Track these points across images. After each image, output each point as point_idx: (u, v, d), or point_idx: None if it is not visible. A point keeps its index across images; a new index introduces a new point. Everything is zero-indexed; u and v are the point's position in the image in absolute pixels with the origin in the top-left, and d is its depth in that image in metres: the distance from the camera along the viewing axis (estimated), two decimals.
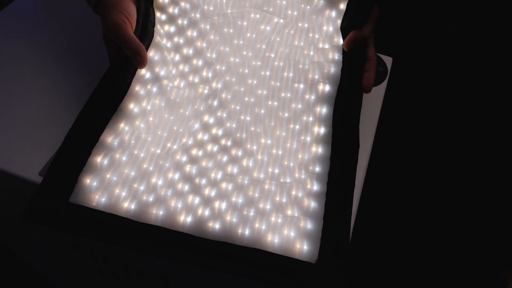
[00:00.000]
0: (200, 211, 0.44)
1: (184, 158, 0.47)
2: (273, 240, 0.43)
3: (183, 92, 0.51)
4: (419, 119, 1.47)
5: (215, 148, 0.48)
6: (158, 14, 0.54)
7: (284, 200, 0.45)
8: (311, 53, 0.54)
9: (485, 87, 1.63)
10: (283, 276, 0.41)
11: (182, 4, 0.54)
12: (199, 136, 0.49)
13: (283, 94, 0.52)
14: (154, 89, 0.49)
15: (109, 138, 0.45)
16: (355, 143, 0.48)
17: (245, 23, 0.56)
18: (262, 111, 0.51)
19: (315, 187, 0.46)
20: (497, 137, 1.49)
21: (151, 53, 0.50)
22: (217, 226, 0.43)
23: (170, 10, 0.54)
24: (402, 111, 1.46)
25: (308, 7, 0.55)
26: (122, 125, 0.46)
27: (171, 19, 0.54)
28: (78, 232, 0.41)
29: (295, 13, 0.55)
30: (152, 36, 0.51)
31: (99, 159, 0.44)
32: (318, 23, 0.55)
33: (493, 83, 1.64)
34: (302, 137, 0.49)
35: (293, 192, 0.46)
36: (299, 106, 0.51)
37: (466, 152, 1.44)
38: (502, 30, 1.77)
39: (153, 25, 0.52)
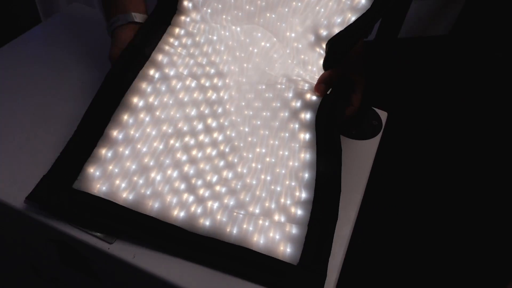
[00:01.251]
0: (193, 208, 0.47)
1: (184, 158, 0.51)
2: (258, 241, 0.45)
3: (192, 93, 0.55)
4: (412, 173, 1.49)
5: (214, 152, 0.52)
6: (177, 29, 0.58)
7: (272, 206, 0.48)
8: (301, 72, 0.59)
9: (482, 139, 1.65)
10: (265, 274, 0.43)
11: (202, 26, 0.60)
12: (201, 137, 0.53)
13: (273, 104, 0.56)
14: (163, 88, 0.53)
15: (114, 132, 0.49)
16: (338, 148, 0.51)
17: (255, 50, 0.61)
18: (258, 123, 0.55)
19: (303, 194, 0.49)
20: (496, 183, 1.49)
21: (160, 57, 0.55)
22: (207, 223, 0.46)
23: (190, 28, 0.59)
24: (395, 164, 1.49)
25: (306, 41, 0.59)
26: (125, 117, 0.50)
27: (189, 34, 0.59)
28: (77, 216, 0.45)
29: (300, 45, 0.59)
30: (157, 43, 0.56)
31: (104, 151, 0.48)
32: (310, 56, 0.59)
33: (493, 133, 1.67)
34: (292, 144, 0.53)
35: (282, 200, 0.49)
36: (286, 114, 0.55)
37: (460, 196, 1.44)
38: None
39: (160, 37, 0.57)
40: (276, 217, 0.47)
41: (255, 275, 0.43)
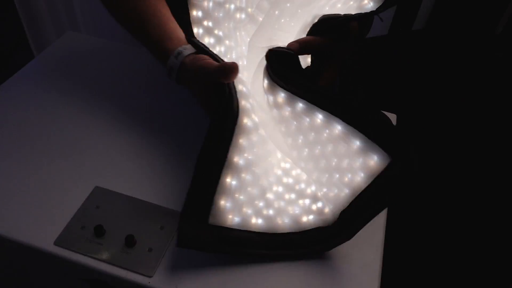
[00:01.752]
0: (314, 206, 0.50)
1: (279, 172, 0.53)
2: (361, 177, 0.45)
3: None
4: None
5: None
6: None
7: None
8: None
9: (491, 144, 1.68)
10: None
11: (216, 31, 0.60)
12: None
13: None
14: (254, 102, 0.53)
15: (235, 158, 0.48)
16: None
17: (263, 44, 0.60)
18: None
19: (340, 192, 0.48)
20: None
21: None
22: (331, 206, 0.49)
23: (206, 40, 0.59)
24: None
25: None
26: (241, 141, 0.49)
27: (210, 45, 0.59)
28: (225, 251, 0.45)
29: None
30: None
31: (229, 180, 0.47)
32: None
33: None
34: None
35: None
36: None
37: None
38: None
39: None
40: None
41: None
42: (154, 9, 0.58)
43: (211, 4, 0.59)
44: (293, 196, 0.51)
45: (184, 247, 0.44)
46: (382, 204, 0.43)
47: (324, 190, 0.50)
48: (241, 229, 0.47)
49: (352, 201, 0.45)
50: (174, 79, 0.55)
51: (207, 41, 0.59)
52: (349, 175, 0.46)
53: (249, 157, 0.49)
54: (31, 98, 0.64)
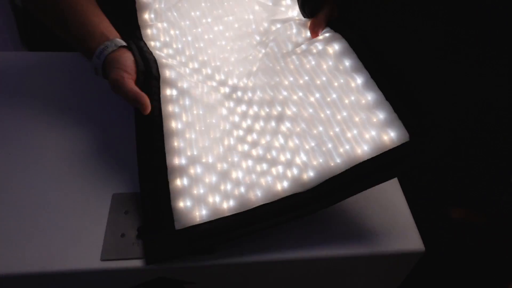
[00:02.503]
0: (289, 173, 0.48)
1: (246, 147, 0.51)
2: (363, 150, 0.45)
3: (210, 95, 0.55)
4: None
5: (269, 126, 0.53)
6: (152, 43, 0.57)
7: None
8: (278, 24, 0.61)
9: None
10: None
11: (172, 32, 0.60)
12: (244, 125, 0.53)
13: (284, 51, 0.57)
14: (187, 102, 0.52)
15: (176, 160, 0.48)
16: None
17: (231, 33, 0.63)
18: (287, 81, 0.55)
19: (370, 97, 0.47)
20: None
21: (168, 73, 0.53)
22: (311, 174, 0.47)
23: (162, 38, 0.58)
24: None
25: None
26: (176, 144, 0.49)
27: (165, 44, 0.58)
28: (206, 250, 0.44)
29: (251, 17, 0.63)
30: (155, 60, 0.54)
31: (179, 182, 0.47)
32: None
33: None
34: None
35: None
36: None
37: None
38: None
39: (150, 53, 0.55)
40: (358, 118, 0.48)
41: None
42: (75, 4, 0.55)
43: None
44: (264, 166, 0.49)
45: (154, 262, 0.43)
46: (378, 180, 0.44)
47: (304, 159, 0.48)
48: (212, 219, 0.45)
49: (344, 171, 0.45)
50: (102, 76, 0.54)
51: (159, 26, 0.59)
52: (347, 147, 0.46)
53: (190, 154, 0.49)
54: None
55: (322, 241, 0.47)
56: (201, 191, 0.47)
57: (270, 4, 0.62)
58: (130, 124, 0.53)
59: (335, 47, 0.52)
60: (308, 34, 0.56)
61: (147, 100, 0.50)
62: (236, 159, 0.50)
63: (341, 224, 0.49)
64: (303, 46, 0.55)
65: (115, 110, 0.59)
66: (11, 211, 0.47)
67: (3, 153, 0.53)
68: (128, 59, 0.52)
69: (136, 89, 0.50)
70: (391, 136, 0.44)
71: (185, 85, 0.53)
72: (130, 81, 0.51)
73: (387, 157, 0.43)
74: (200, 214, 0.45)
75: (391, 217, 0.50)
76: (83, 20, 0.54)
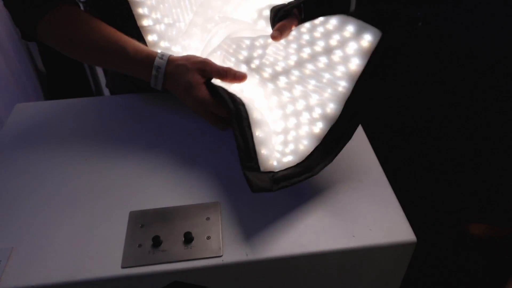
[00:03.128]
0: (315, 114, 0.57)
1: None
2: (356, 63, 0.52)
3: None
4: None
5: (269, 89, 0.63)
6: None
7: None
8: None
9: None
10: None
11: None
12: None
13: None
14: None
15: (255, 114, 0.58)
16: None
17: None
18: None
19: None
20: None
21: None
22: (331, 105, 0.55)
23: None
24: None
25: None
26: (255, 116, 0.58)
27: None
28: (283, 186, 0.53)
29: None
30: None
31: (258, 133, 0.56)
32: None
33: None
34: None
35: None
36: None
37: None
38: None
39: None
40: None
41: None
42: (113, 31, 0.63)
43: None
44: (294, 120, 0.58)
45: (257, 191, 0.50)
46: (384, 76, 0.50)
47: (317, 97, 0.57)
48: (282, 169, 0.54)
49: (353, 88, 0.52)
50: (161, 81, 0.61)
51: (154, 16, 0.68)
52: (343, 69, 0.53)
53: (256, 117, 0.57)
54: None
55: (317, 236, 0.52)
56: (270, 146, 0.56)
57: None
58: (142, 156, 0.60)
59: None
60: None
61: (235, 71, 0.62)
62: (279, 125, 0.60)
63: (334, 220, 0.54)
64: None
65: (126, 144, 0.67)
66: (45, 228, 0.54)
67: (37, 180, 0.60)
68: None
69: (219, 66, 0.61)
70: (369, 39, 0.50)
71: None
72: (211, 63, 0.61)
73: (376, 55, 0.49)
74: (273, 164, 0.54)
75: (382, 211, 0.55)
76: (128, 40, 0.63)
